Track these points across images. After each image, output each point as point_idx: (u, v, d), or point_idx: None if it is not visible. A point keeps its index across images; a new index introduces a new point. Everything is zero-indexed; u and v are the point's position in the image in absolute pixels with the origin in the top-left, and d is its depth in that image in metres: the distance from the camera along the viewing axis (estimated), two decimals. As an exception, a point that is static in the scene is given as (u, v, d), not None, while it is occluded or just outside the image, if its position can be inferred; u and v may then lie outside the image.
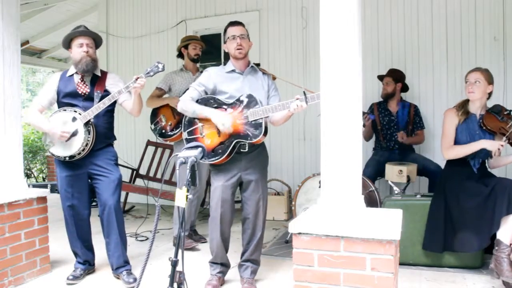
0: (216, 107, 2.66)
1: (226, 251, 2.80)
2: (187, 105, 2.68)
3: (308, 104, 2.46)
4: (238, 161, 2.66)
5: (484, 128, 2.87)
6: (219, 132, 2.63)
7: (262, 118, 2.55)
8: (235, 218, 2.88)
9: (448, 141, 2.91)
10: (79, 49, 2.90)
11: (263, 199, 2.75)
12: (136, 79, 2.78)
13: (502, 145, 2.76)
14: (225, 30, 2.76)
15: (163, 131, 3.80)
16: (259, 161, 2.74)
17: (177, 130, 3.73)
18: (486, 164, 3.00)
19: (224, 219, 2.70)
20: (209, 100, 2.70)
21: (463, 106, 2.93)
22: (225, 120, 2.56)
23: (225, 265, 2.83)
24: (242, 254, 2.81)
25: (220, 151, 2.61)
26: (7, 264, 2.81)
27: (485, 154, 2.92)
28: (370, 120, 4.03)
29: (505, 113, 2.87)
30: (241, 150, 2.64)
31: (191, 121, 2.73)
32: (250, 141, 2.59)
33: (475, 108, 2.93)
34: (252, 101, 2.58)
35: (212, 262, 2.82)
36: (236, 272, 2.88)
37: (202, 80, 2.72)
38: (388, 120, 4.16)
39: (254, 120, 2.56)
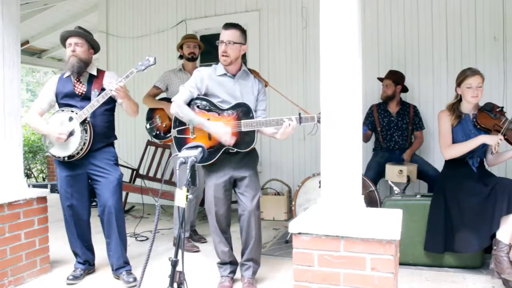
0: (208, 110, 2.64)
1: (231, 248, 2.81)
2: (182, 111, 2.63)
3: (301, 124, 2.49)
4: (228, 162, 2.68)
5: (478, 127, 2.88)
6: (209, 136, 2.63)
7: (255, 130, 2.57)
8: (232, 218, 2.87)
9: (447, 140, 2.90)
10: (68, 49, 2.91)
11: (257, 196, 2.73)
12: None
13: (501, 139, 2.75)
14: None
15: (157, 132, 3.82)
16: (249, 160, 2.74)
17: (170, 133, 3.73)
18: (484, 163, 3.01)
19: (220, 218, 2.72)
20: (202, 102, 2.66)
21: (454, 110, 2.92)
22: (226, 136, 2.55)
23: (234, 263, 2.84)
24: (242, 253, 2.81)
25: (208, 155, 2.56)
26: (7, 264, 2.81)
27: (483, 152, 2.93)
28: (363, 134, 4.03)
29: (497, 110, 2.89)
30: (230, 151, 2.65)
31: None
32: (240, 150, 2.62)
33: (469, 109, 2.94)
34: (247, 112, 2.59)
35: (221, 263, 2.82)
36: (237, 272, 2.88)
37: (197, 82, 2.68)
38: (388, 121, 4.16)
39: (246, 131, 2.57)
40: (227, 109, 2.63)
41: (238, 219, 2.79)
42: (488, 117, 2.87)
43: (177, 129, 2.70)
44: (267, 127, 2.63)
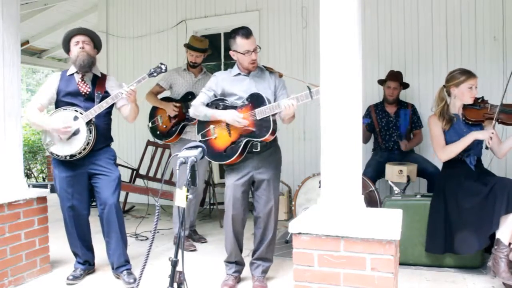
0: (225, 109, 2.70)
1: (240, 249, 2.84)
2: (198, 110, 2.75)
3: (313, 98, 2.46)
4: (250, 160, 2.70)
5: (470, 123, 2.91)
6: (229, 132, 2.67)
7: (269, 116, 2.57)
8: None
9: (440, 141, 2.92)
10: (76, 47, 2.92)
11: (275, 199, 2.76)
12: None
13: (493, 133, 2.78)
14: (233, 37, 2.68)
15: (158, 132, 3.85)
16: (271, 161, 2.76)
17: (170, 135, 3.78)
18: (482, 161, 3.00)
19: (236, 218, 2.73)
20: (219, 102, 2.75)
21: (444, 116, 2.92)
22: (236, 116, 2.60)
23: (240, 264, 2.87)
24: (254, 253, 2.84)
25: (232, 151, 2.66)
26: (7, 264, 2.81)
27: (479, 150, 2.94)
28: (364, 124, 4.04)
29: (479, 101, 2.95)
30: (254, 150, 2.67)
31: (203, 123, 2.78)
32: (259, 139, 2.62)
33: (457, 108, 2.96)
34: (259, 99, 2.61)
35: (227, 262, 2.86)
36: (247, 270, 2.90)
37: (212, 85, 2.78)
38: (386, 122, 4.16)
39: (262, 119, 2.59)
40: (241, 104, 2.68)
41: (254, 221, 2.83)
42: (474, 110, 2.92)
43: (201, 133, 2.79)
44: (282, 116, 2.63)
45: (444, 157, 2.93)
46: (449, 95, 2.99)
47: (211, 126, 2.74)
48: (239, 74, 2.76)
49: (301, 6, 5.03)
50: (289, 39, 5.14)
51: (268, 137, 2.60)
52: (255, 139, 2.63)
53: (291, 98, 2.51)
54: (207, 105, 2.76)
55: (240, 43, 2.67)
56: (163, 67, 2.92)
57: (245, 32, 2.67)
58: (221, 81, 2.76)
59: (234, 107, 2.69)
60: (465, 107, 2.94)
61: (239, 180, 2.70)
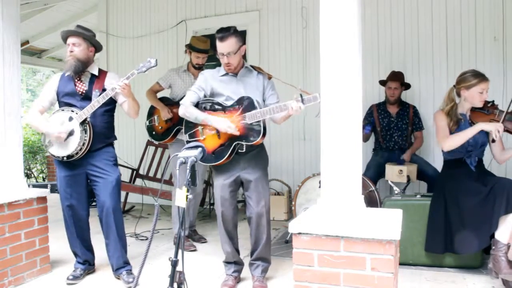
0: (214, 110, 2.70)
1: (236, 249, 2.84)
2: (188, 111, 2.71)
3: (305, 105, 2.46)
4: (236, 162, 2.70)
5: None
6: (218, 134, 2.67)
7: (260, 120, 2.57)
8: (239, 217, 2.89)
9: (443, 132, 2.87)
10: (67, 50, 2.91)
11: (265, 198, 2.75)
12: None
13: (501, 127, 2.73)
14: (215, 38, 2.70)
15: (154, 132, 3.86)
16: (257, 161, 2.76)
17: (165, 137, 3.79)
18: (483, 162, 3.00)
19: (226, 218, 2.74)
20: (208, 103, 2.73)
21: (451, 116, 2.89)
22: (230, 124, 2.59)
23: (239, 263, 2.87)
24: (252, 253, 2.84)
25: (220, 153, 2.65)
26: (7, 264, 2.81)
27: (481, 151, 2.94)
28: (365, 134, 4.02)
29: (488, 105, 2.91)
30: (239, 151, 2.67)
31: (192, 123, 2.76)
32: (249, 143, 2.62)
33: (466, 109, 2.94)
34: (250, 104, 2.60)
35: (226, 262, 2.87)
36: (247, 270, 2.90)
37: (201, 83, 2.76)
38: (387, 122, 4.16)
39: (252, 123, 2.58)
40: (231, 105, 2.66)
41: (248, 221, 2.82)
42: (482, 114, 2.89)
43: (188, 133, 2.77)
44: (277, 117, 2.63)
45: (447, 146, 2.85)
46: (458, 95, 2.94)
47: (200, 127, 2.73)
48: (226, 74, 2.75)
49: (301, 6, 5.03)
50: (289, 39, 5.14)
51: (259, 140, 2.60)
52: (246, 143, 2.63)
53: (297, 100, 2.45)
54: (197, 104, 2.74)
55: (216, 45, 2.67)
56: (152, 61, 2.83)
57: (220, 35, 2.63)
58: (210, 79, 2.74)
59: (223, 108, 2.67)
60: (473, 109, 2.92)
61: (226, 181, 2.71)
